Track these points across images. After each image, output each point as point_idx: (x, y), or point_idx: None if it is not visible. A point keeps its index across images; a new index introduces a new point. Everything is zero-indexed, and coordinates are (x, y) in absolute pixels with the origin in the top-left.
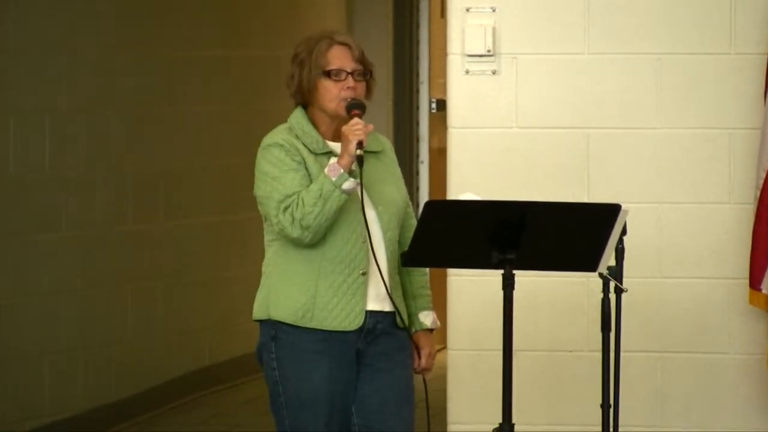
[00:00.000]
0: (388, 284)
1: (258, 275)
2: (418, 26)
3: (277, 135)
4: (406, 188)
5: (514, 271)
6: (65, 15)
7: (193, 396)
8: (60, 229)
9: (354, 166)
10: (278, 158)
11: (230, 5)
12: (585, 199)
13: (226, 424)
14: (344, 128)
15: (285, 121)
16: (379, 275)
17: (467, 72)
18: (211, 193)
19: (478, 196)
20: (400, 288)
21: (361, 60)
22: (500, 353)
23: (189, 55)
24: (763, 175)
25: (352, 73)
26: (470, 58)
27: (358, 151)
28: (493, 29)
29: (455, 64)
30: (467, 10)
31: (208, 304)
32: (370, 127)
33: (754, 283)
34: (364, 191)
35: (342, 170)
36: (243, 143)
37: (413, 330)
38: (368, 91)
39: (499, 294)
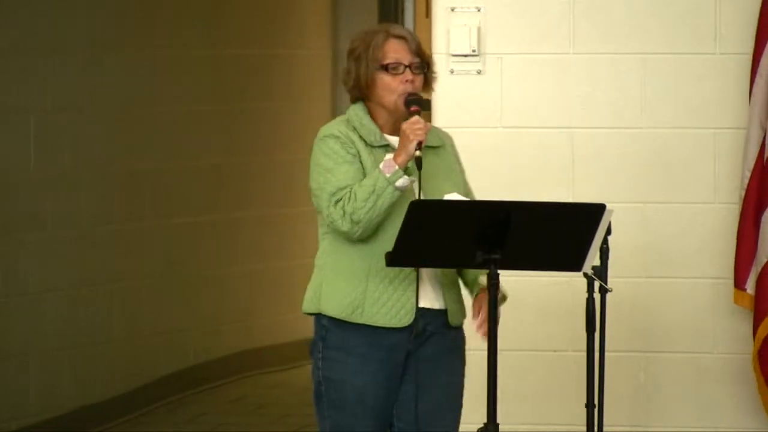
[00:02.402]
0: (439, 281)
1: (244, 274)
2: (403, 26)
3: (334, 126)
4: (468, 182)
5: (499, 271)
6: (51, 15)
7: (179, 395)
8: (46, 228)
9: (410, 164)
10: (333, 150)
11: (216, 4)
12: (570, 199)
13: (211, 423)
14: (404, 126)
15: (272, 120)
16: (430, 273)
17: (452, 72)
18: (197, 192)
19: (463, 196)
20: (457, 286)
21: (418, 52)
22: (485, 353)
23: (175, 55)
24: (748, 175)
25: (409, 66)
26: (455, 58)
27: (417, 152)
28: (478, 29)
29: (440, 64)
30: (452, 9)
31: (194, 303)
32: (430, 125)
33: (740, 282)
34: (416, 186)
35: (397, 167)
36: (229, 143)
37: (475, 293)
38: (427, 84)
39: None
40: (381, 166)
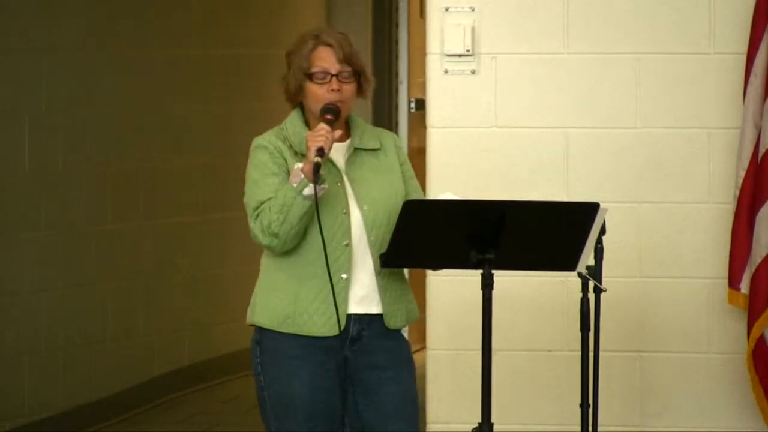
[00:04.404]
0: (378, 283)
1: (237, 274)
2: (397, 26)
3: (265, 137)
4: (416, 182)
5: (493, 271)
6: (44, 14)
7: (173, 395)
8: (40, 228)
9: (338, 169)
10: (261, 161)
11: (211, 4)
12: (564, 199)
13: (206, 423)
14: (308, 133)
15: (266, 120)
16: (363, 277)
17: (446, 72)
18: (191, 192)
19: (457, 196)
20: (401, 287)
21: (348, 60)
22: (479, 353)
23: (169, 54)
24: (743, 175)
25: (337, 75)
26: (449, 58)
27: (317, 159)
28: (472, 29)
29: (434, 64)
30: (446, 9)
31: (188, 303)
32: (337, 132)
33: (734, 282)
34: (349, 191)
35: (303, 175)
36: (223, 143)
37: None
38: (361, 91)
39: (478, 294)
40: (291, 176)
